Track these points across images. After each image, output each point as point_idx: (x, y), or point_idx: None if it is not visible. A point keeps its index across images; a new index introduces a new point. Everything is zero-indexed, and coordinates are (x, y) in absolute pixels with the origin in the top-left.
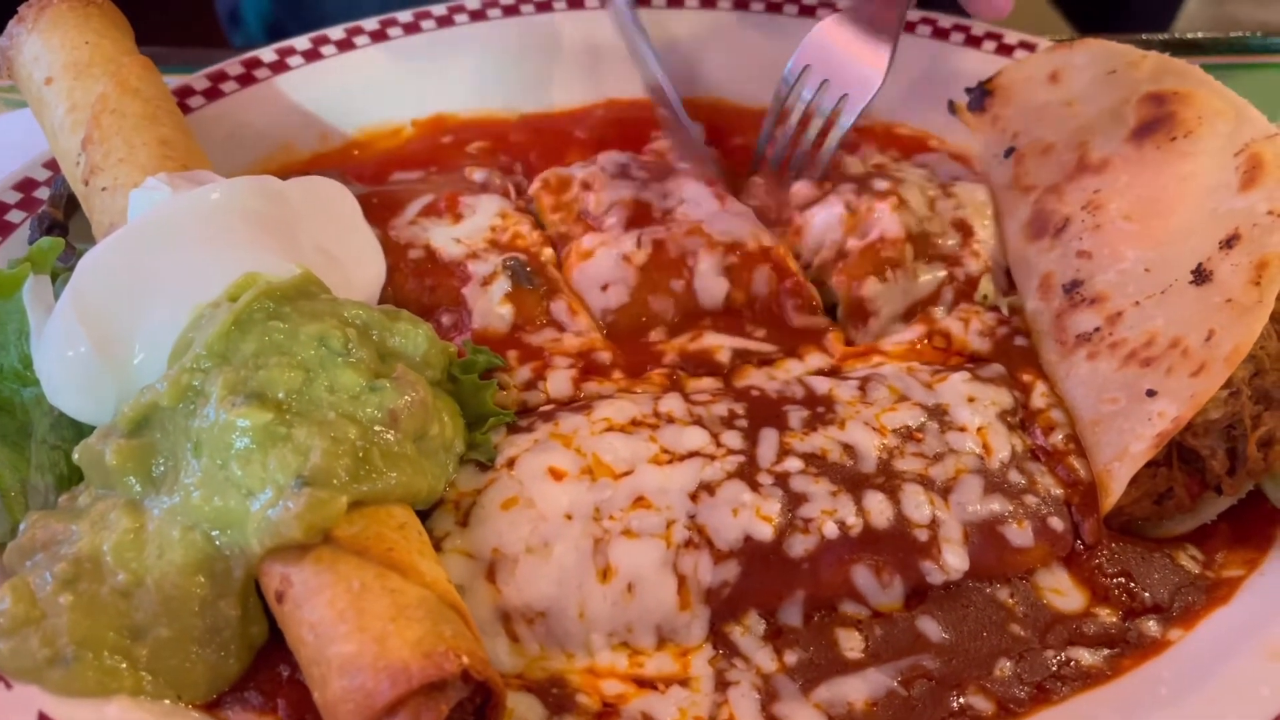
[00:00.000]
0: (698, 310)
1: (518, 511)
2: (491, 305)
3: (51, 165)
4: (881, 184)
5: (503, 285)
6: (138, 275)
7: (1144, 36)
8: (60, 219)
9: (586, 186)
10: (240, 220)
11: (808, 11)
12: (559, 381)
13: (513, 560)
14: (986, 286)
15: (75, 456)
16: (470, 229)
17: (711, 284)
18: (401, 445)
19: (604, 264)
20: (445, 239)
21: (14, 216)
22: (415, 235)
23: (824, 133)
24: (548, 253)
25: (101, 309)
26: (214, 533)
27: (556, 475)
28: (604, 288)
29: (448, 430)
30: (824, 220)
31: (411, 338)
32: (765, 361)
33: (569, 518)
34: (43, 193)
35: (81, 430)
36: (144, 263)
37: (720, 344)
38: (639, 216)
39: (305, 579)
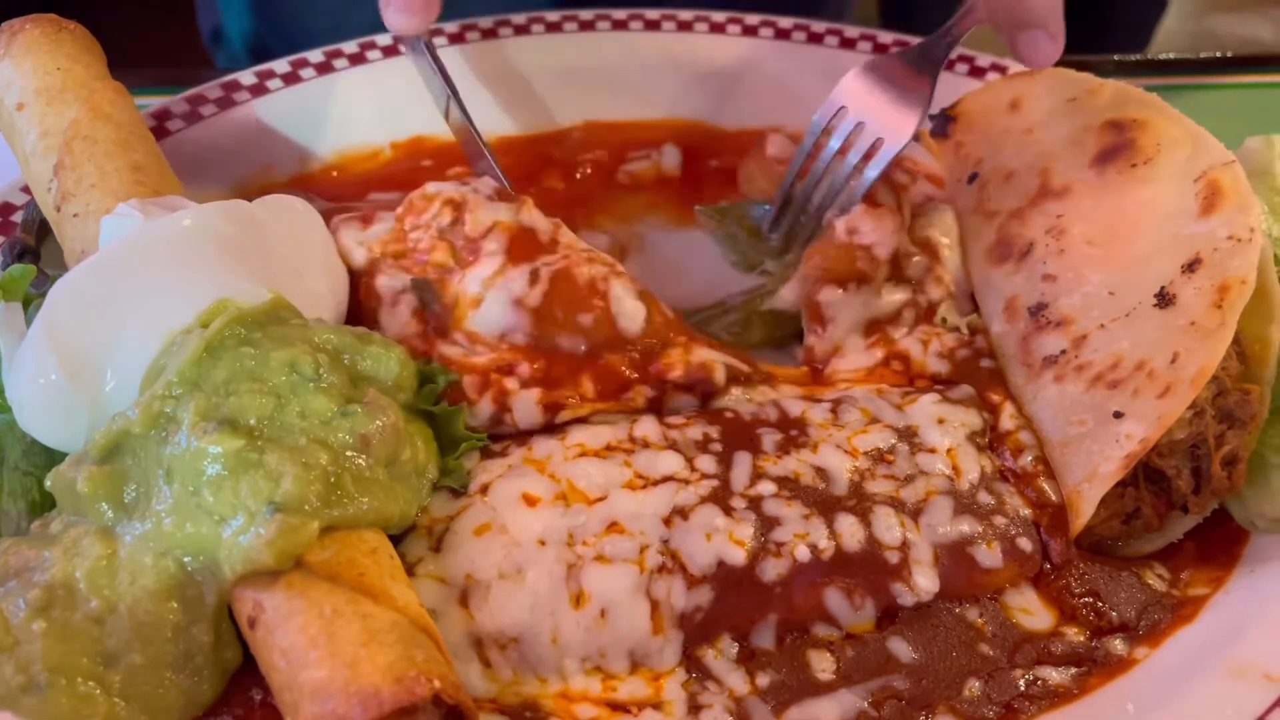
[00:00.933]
0: (619, 339)
1: (490, 537)
2: (401, 326)
3: (26, 191)
4: (902, 177)
5: (410, 302)
6: (110, 302)
7: (1116, 58)
8: (32, 245)
9: (454, 205)
10: (212, 246)
11: (782, 35)
12: (525, 409)
13: (485, 586)
14: (946, 311)
15: (47, 483)
16: (372, 235)
17: (630, 308)
18: (373, 470)
19: (495, 311)
20: (353, 243)
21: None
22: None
23: (856, 170)
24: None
25: (73, 336)
26: (186, 559)
27: (530, 501)
28: (503, 337)
29: (420, 455)
30: None
31: (383, 361)
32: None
33: (542, 543)
34: (18, 218)
35: (53, 457)
36: (116, 289)
37: (714, 359)
38: (522, 244)
39: (277, 605)
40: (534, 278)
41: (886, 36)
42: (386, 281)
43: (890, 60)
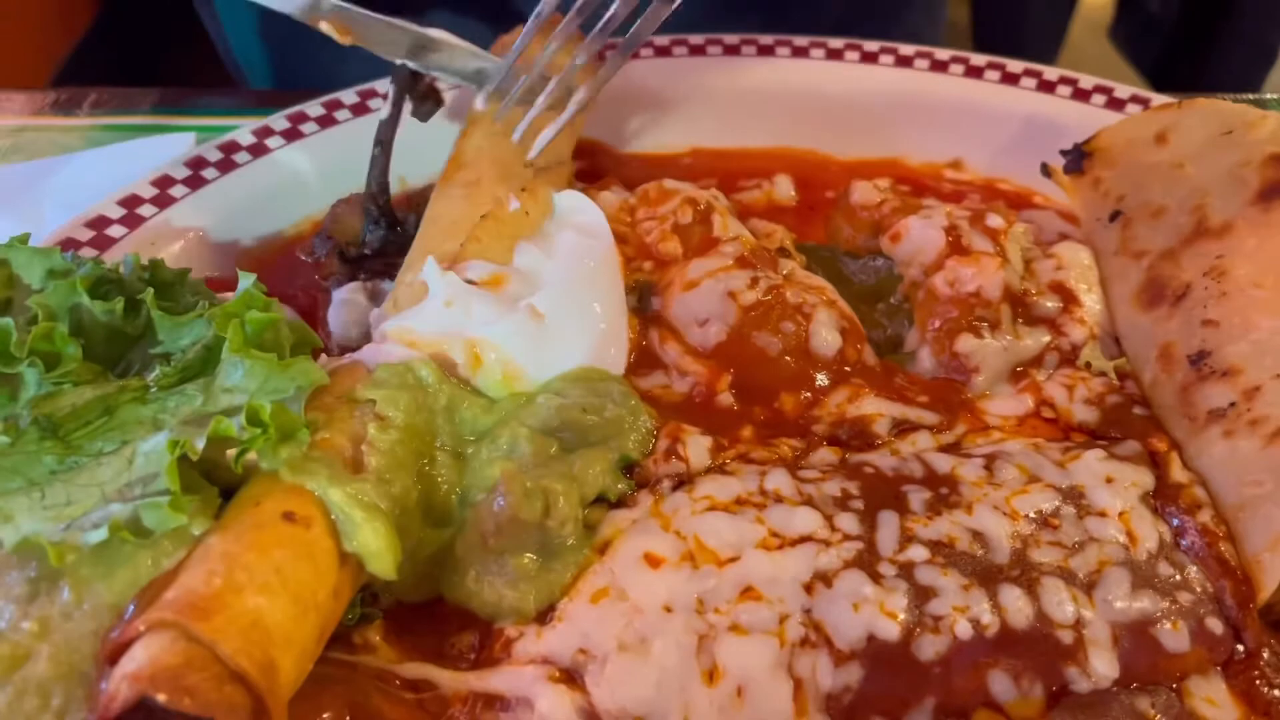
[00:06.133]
0: (808, 355)
1: (609, 604)
2: None
3: (126, 203)
4: (995, 220)
5: (629, 301)
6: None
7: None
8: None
9: (696, 205)
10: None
11: (904, 62)
12: (698, 450)
13: (602, 659)
14: (1092, 354)
15: None
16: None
17: (827, 336)
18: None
19: (706, 297)
20: None
21: (87, 253)
22: None
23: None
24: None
25: None
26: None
27: (653, 562)
28: (702, 323)
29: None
30: (922, 235)
31: (630, 436)
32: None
33: (668, 610)
34: (116, 230)
35: None
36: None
37: (880, 411)
38: (755, 258)
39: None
40: (753, 283)
41: (1016, 65)
42: None
43: None
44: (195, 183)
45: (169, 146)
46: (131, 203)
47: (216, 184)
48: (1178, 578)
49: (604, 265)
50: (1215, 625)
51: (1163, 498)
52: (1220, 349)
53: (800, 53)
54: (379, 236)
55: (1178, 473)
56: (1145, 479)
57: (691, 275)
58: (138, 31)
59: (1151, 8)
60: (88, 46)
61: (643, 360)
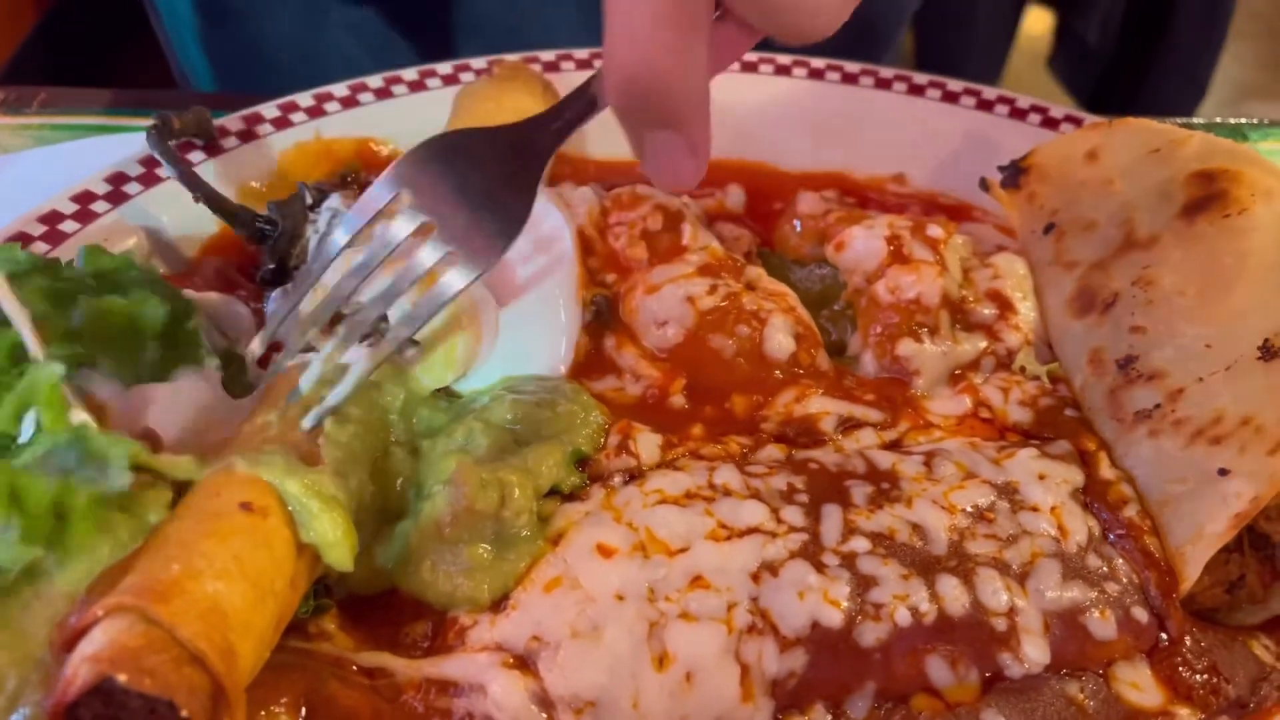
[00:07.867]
0: (760, 358)
1: (562, 593)
2: None
3: (79, 199)
4: (935, 231)
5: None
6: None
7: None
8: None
9: (668, 213)
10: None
11: (850, 79)
12: (649, 446)
13: (555, 645)
14: (1026, 358)
15: None
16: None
17: (780, 340)
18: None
19: (667, 301)
20: None
21: (38, 248)
22: None
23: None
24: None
25: None
26: None
27: (605, 552)
28: (661, 324)
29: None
30: (865, 244)
31: (579, 431)
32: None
33: (620, 599)
34: (68, 225)
35: None
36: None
37: (826, 409)
38: (720, 268)
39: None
40: (712, 289)
41: (956, 85)
42: None
43: (479, 142)
44: (149, 180)
45: (121, 146)
46: (85, 199)
47: (172, 182)
48: (1105, 569)
49: (559, 273)
50: (1141, 614)
51: (1092, 494)
52: (1147, 354)
53: (749, 68)
54: (269, 239)
55: (1106, 470)
56: (1075, 476)
57: (654, 280)
58: (84, 33)
59: (1089, 40)
60: (31, 48)
61: (595, 365)
